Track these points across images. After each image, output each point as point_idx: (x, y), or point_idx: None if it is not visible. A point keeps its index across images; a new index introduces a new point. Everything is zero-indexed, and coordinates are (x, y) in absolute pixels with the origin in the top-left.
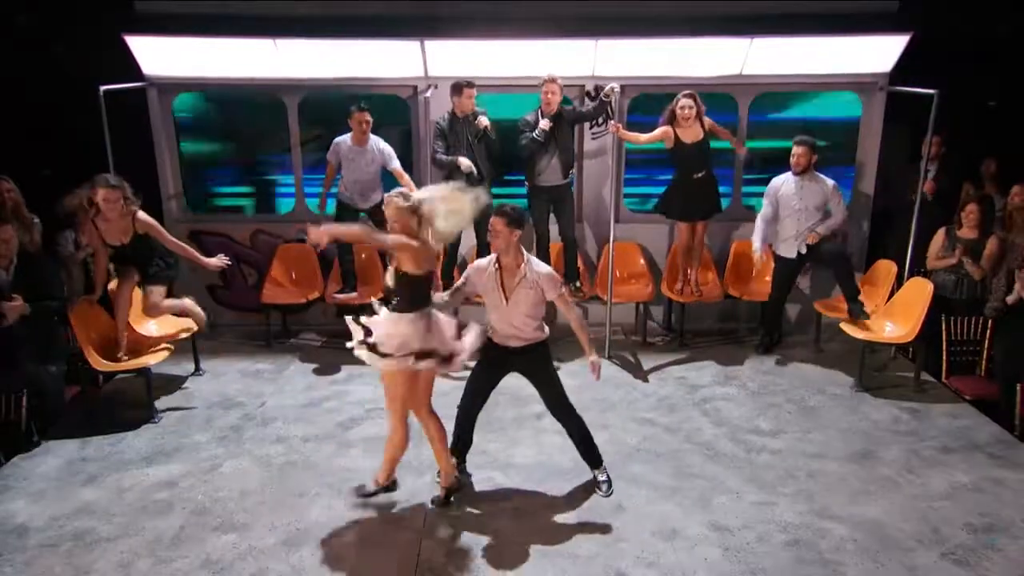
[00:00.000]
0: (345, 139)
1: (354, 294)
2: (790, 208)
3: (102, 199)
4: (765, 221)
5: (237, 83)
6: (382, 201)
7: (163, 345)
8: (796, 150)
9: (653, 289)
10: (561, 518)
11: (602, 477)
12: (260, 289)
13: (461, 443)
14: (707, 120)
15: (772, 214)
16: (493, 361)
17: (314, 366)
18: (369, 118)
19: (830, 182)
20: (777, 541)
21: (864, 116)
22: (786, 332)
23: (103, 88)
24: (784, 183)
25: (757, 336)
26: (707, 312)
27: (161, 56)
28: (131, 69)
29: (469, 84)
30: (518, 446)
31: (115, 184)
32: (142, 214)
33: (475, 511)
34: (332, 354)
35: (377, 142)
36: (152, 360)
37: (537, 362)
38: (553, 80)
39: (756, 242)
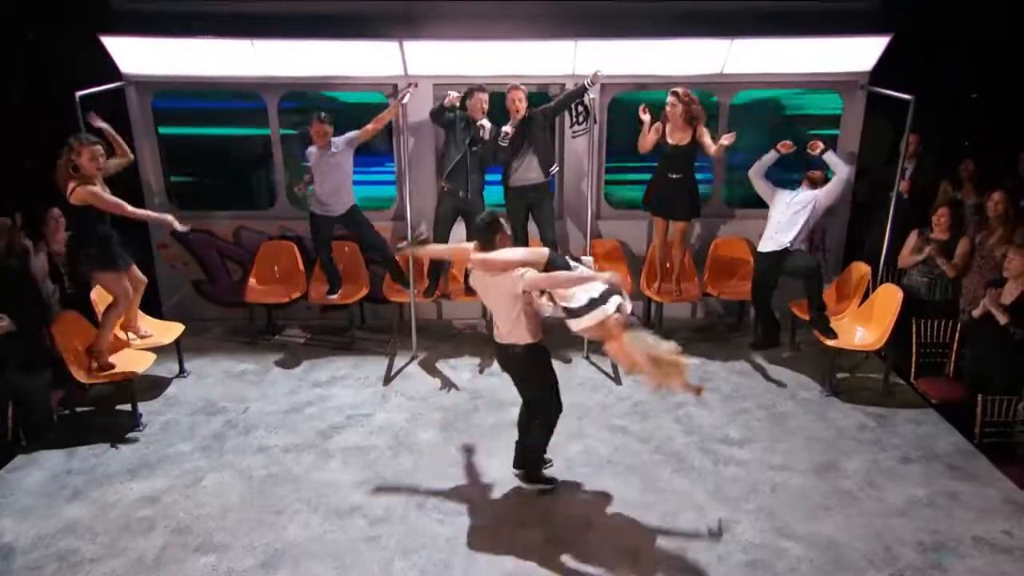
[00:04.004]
0: (312, 148)
1: (335, 296)
2: (781, 202)
3: (88, 159)
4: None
5: (216, 81)
6: (355, 206)
7: (146, 349)
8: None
9: (633, 286)
10: (532, 536)
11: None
12: (244, 286)
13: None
14: (701, 129)
15: (759, 170)
16: None
17: (298, 366)
18: (328, 128)
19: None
20: (735, 561)
21: (845, 115)
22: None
23: (79, 94)
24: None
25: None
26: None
27: (139, 55)
28: (107, 69)
29: (480, 89)
30: (493, 457)
31: (95, 140)
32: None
33: (448, 529)
34: (316, 352)
35: (336, 140)
36: (137, 368)
37: None
38: (517, 88)
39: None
